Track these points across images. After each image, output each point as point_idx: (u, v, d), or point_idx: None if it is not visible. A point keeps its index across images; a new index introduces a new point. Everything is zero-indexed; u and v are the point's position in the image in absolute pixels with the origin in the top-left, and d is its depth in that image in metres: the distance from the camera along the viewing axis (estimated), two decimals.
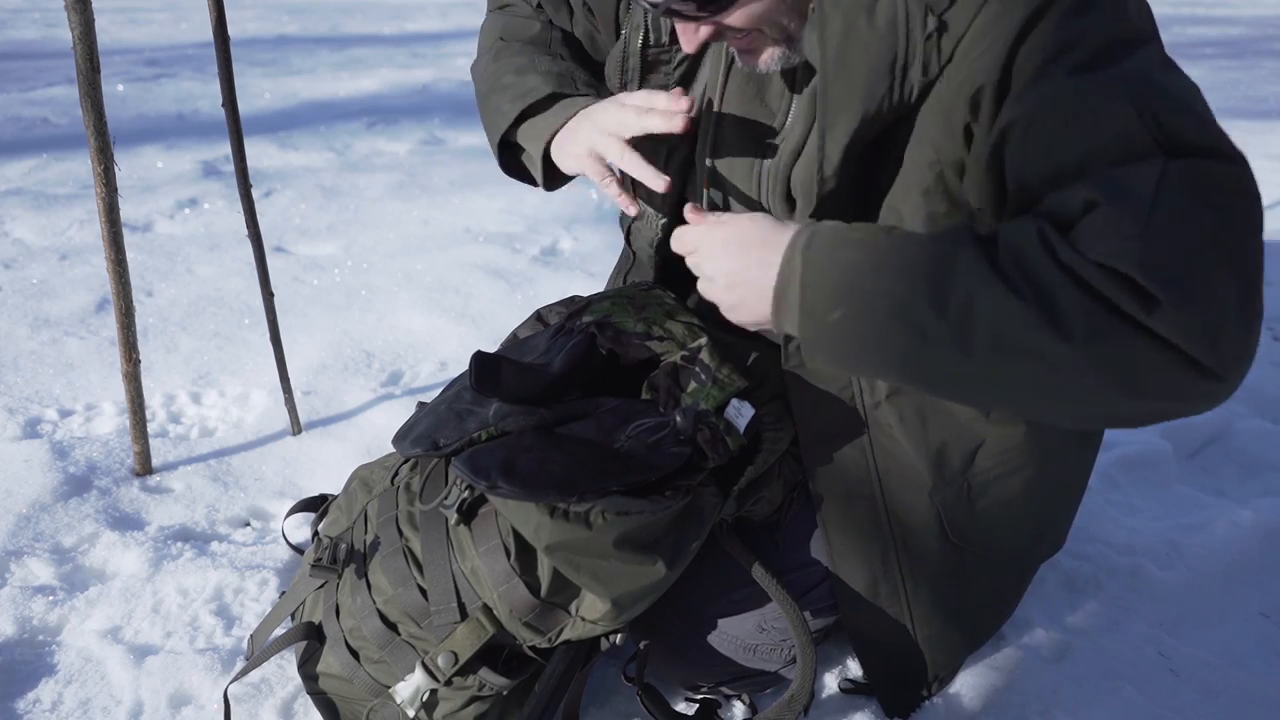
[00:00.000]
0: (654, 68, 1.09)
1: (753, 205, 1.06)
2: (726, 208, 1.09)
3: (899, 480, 1.06)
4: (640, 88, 1.08)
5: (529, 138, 1.13)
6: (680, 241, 0.94)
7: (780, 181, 1.00)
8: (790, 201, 0.99)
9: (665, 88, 1.07)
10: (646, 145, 1.04)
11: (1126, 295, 0.72)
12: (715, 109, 1.06)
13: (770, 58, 0.96)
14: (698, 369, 1.00)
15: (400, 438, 1.08)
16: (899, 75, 0.86)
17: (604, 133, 1.02)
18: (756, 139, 1.03)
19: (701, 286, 0.93)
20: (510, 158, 1.19)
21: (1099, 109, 0.78)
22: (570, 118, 1.08)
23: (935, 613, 1.12)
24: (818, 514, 1.10)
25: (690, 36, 0.94)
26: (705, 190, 1.11)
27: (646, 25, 1.07)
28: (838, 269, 0.81)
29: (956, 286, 0.75)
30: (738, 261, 0.88)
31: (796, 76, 0.99)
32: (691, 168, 1.13)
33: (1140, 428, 0.90)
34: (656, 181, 0.99)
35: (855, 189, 0.94)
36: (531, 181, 1.19)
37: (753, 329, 0.95)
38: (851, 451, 1.06)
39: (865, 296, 0.78)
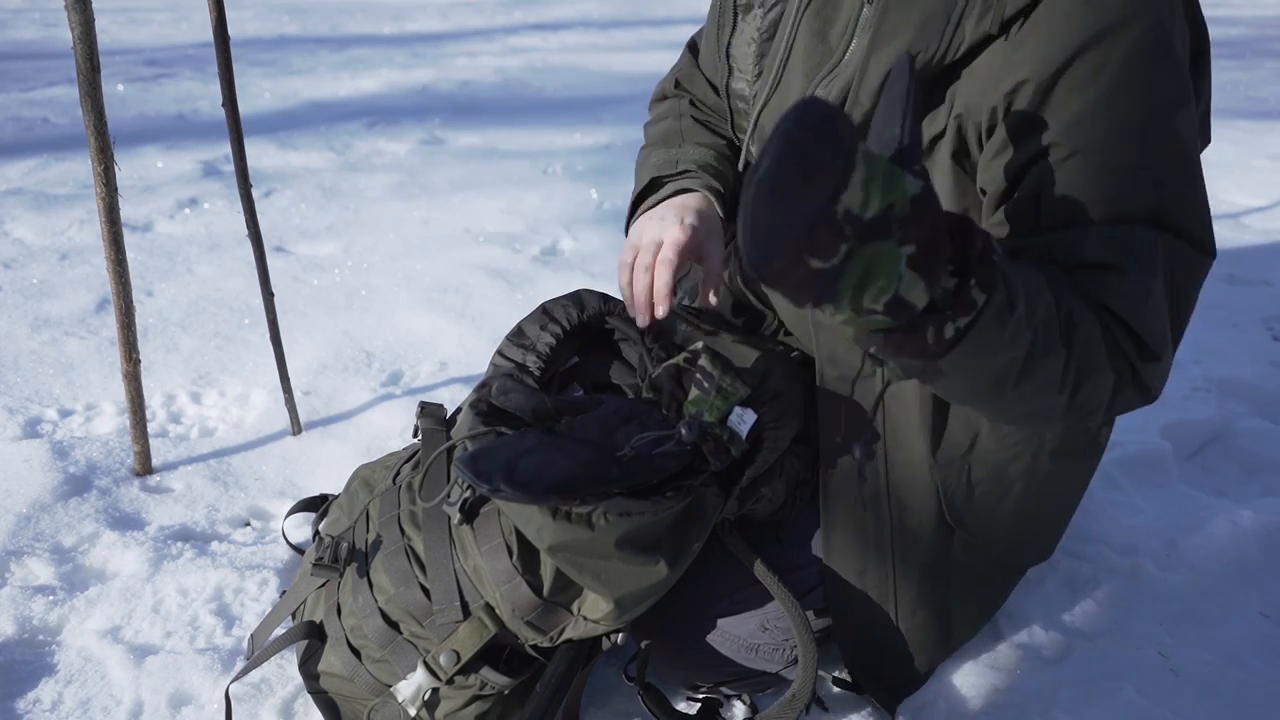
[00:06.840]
0: (748, 9, 1.15)
1: None
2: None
3: (904, 454, 1.07)
4: (734, 30, 1.17)
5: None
6: None
7: None
8: None
9: (756, 29, 1.13)
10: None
11: (1129, 342, 0.89)
12: (787, 46, 1.08)
13: None
14: (699, 376, 1.00)
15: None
16: (955, 20, 0.89)
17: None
18: (809, 73, 1.05)
19: None
20: None
21: (1132, 171, 0.88)
22: (657, 202, 1.17)
23: (920, 604, 1.12)
24: (821, 490, 1.10)
25: None
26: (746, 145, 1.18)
27: None
28: None
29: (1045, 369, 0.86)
30: None
31: (861, 16, 1.00)
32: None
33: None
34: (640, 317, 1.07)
35: None
36: None
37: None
38: (863, 424, 1.08)
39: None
